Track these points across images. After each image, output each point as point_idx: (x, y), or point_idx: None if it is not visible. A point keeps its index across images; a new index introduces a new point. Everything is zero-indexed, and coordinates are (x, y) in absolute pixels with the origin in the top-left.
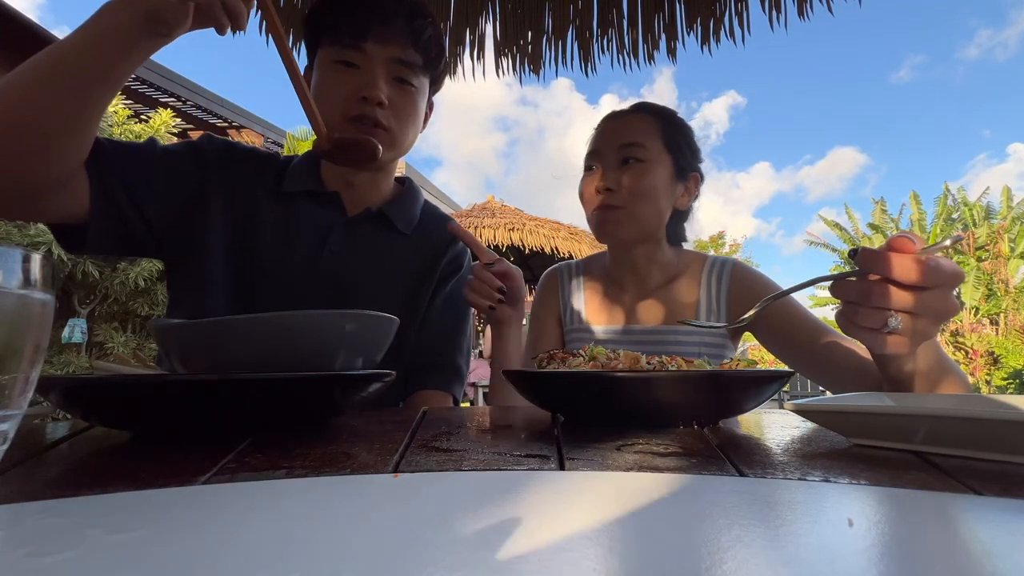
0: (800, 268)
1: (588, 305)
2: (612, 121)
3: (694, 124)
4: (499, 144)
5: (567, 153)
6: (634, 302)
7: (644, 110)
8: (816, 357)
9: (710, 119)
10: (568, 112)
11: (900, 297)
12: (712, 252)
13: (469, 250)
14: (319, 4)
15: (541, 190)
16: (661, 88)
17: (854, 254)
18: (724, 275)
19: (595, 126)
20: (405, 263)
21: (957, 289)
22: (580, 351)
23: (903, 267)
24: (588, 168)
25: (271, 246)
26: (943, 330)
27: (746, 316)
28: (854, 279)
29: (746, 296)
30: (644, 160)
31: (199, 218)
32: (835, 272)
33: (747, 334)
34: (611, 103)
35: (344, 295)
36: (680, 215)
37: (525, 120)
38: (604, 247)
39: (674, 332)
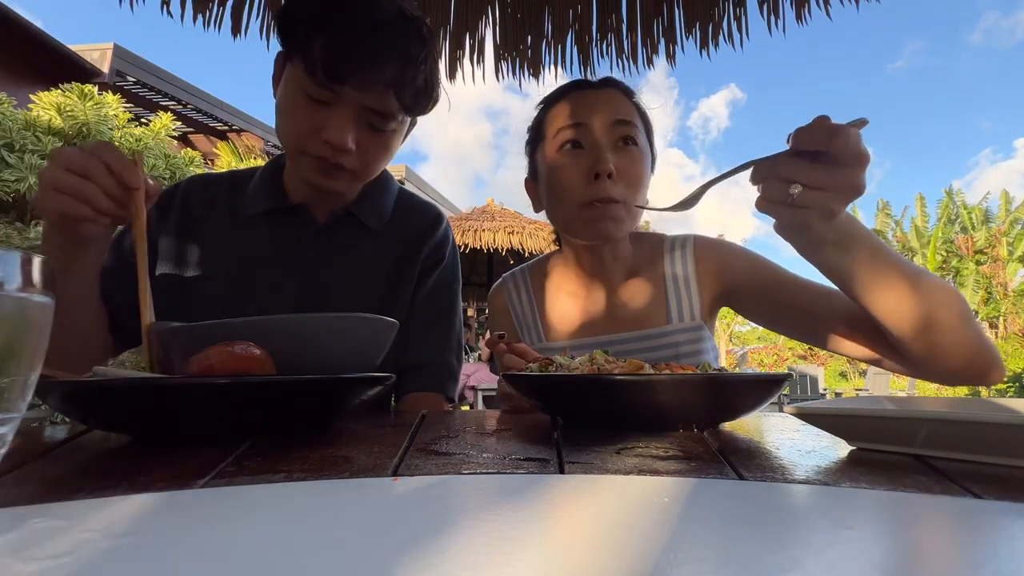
0: (800, 269)
1: (545, 320)
2: (587, 92)
3: (693, 120)
4: (485, 134)
5: None
6: (596, 310)
7: (620, 89)
8: (805, 314)
9: (709, 115)
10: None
11: (804, 169)
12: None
13: (452, 240)
14: (297, 16)
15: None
16: (658, 82)
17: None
18: (687, 256)
19: (548, 99)
20: (381, 261)
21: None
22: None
23: (823, 135)
24: (573, 144)
25: (236, 273)
26: None
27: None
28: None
29: (716, 268)
30: (639, 144)
31: (169, 257)
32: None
33: (744, 333)
34: None
35: (320, 306)
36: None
37: (513, 108)
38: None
39: (644, 338)
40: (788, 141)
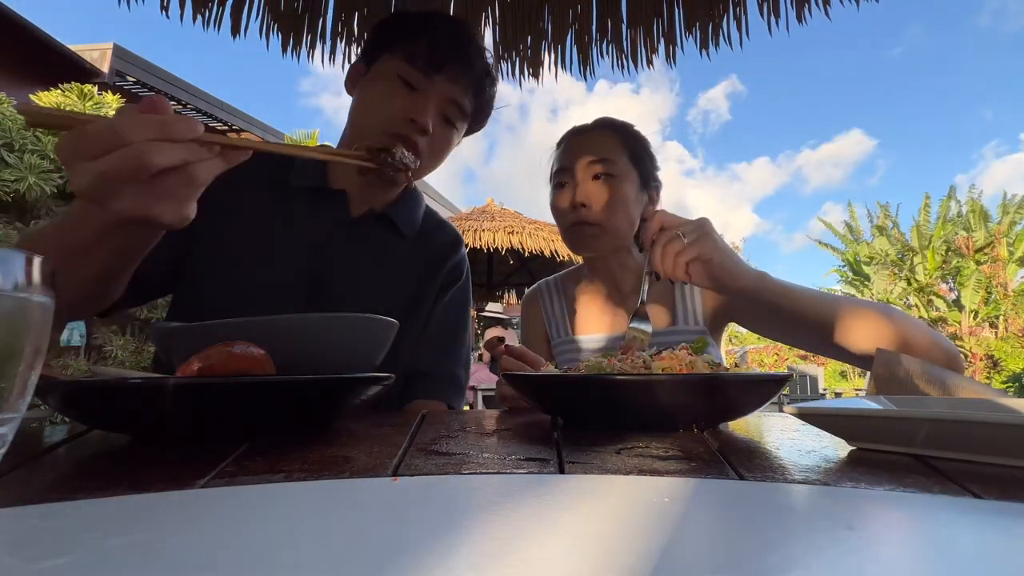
0: (802, 266)
1: (571, 317)
2: (577, 137)
3: (693, 114)
4: None
5: (555, 138)
6: (614, 309)
7: (608, 126)
8: (793, 323)
9: (709, 109)
10: (555, 90)
11: (668, 220)
12: None
13: (467, 260)
14: (405, 19)
15: (531, 177)
16: (658, 77)
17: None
18: None
19: (558, 143)
20: (406, 267)
21: (958, 290)
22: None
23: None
24: (559, 185)
25: (270, 242)
26: (941, 332)
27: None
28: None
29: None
30: (614, 175)
31: (206, 220)
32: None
33: (743, 335)
34: (604, 88)
35: (343, 297)
36: (645, 222)
37: (504, 96)
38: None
39: (655, 334)
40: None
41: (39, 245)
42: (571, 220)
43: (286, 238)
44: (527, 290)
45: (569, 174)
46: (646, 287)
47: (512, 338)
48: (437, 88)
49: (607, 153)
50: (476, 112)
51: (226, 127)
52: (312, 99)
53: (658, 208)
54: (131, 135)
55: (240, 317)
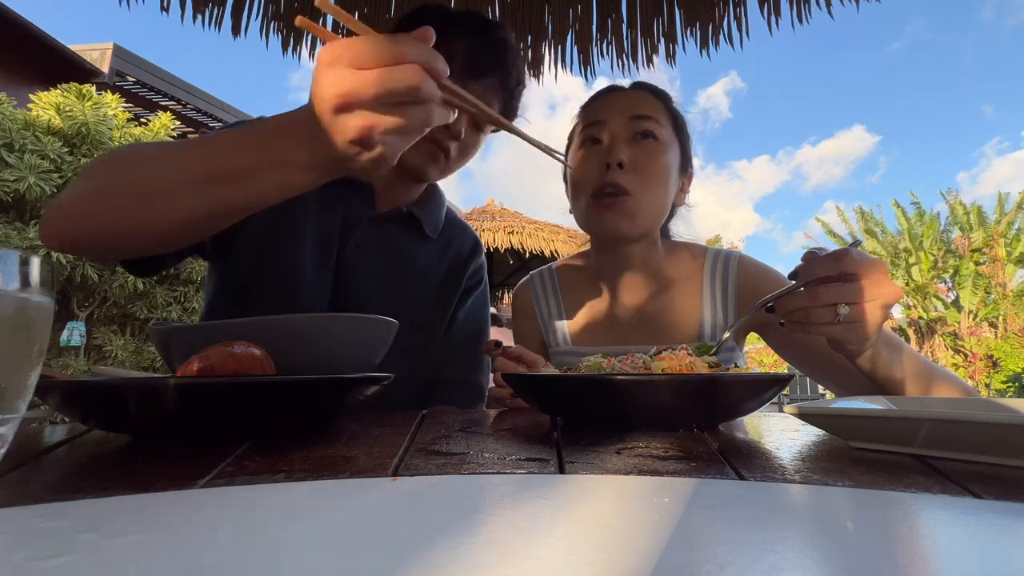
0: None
1: (573, 324)
2: (616, 91)
3: (693, 112)
4: None
5: (554, 134)
6: (627, 317)
7: (648, 88)
8: (835, 363)
9: (709, 106)
10: (553, 86)
11: (843, 289)
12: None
13: (486, 264)
14: (439, 16)
15: (529, 172)
16: (658, 74)
17: (794, 275)
18: (729, 275)
19: (586, 103)
20: (430, 268)
21: (957, 291)
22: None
23: (830, 262)
24: (590, 140)
25: (296, 227)
26: (940, 332)
27: (724, 339)
28: (790, 294)
29: (759, 297)
30: (659, 138)
31: None
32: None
33: (752, 336)
34: (603, 84)
35: (363, 293)
36: (672, 212)
37: None
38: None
39: (674, 350)
40: (794, 277)
41: (161, 158)
42: (598, 184)
43: (309, 224)
44: (516, 288)
45: (604, 129)
46: (740, 321)
47: (510, 338)
48: (473, 90)
49: (653, 111)
50: (504, 116)
51: (225, 126)
52: (303, 94)
53: (838, 249)
54: (411, 55)
55: (265, 304)
